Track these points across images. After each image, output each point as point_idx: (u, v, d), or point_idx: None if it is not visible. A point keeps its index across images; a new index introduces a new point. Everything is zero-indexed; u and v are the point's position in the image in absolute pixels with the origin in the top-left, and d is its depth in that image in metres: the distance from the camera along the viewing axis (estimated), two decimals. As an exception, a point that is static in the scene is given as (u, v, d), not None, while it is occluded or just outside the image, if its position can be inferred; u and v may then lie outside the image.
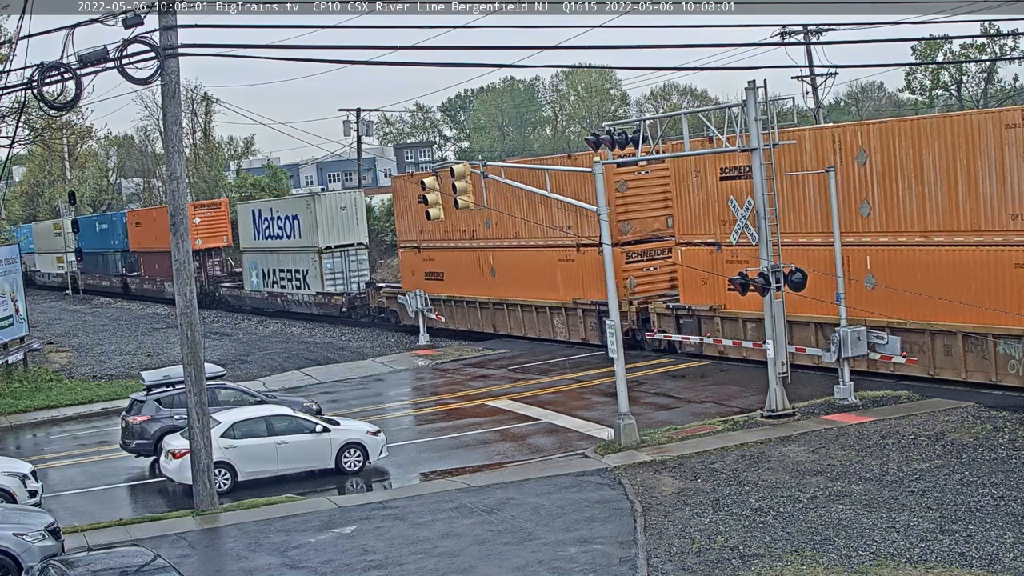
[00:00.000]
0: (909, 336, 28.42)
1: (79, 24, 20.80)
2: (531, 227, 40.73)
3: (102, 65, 21.15)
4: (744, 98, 26.06)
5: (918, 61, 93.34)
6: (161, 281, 70.10)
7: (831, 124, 41.72)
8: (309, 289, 56.03)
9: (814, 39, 55.27)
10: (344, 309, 53.55)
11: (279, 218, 58.88)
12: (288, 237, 57.96)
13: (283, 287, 59.04)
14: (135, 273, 76.59)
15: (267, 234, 59.99)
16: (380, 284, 53.99)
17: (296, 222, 56.76)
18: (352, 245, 54.99)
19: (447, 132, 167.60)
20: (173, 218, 23.20)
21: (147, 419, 27.87)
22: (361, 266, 55.49)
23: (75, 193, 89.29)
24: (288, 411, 26.54)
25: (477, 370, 38.58)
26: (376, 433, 26.27)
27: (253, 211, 62.97)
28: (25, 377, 42.03)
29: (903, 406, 26.48)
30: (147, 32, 21.40)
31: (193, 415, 22.93)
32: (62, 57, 20.62)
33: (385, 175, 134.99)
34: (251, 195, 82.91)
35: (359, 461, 25.78)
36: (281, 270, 58.82)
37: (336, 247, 54.77)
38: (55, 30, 20.76)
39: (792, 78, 61.36)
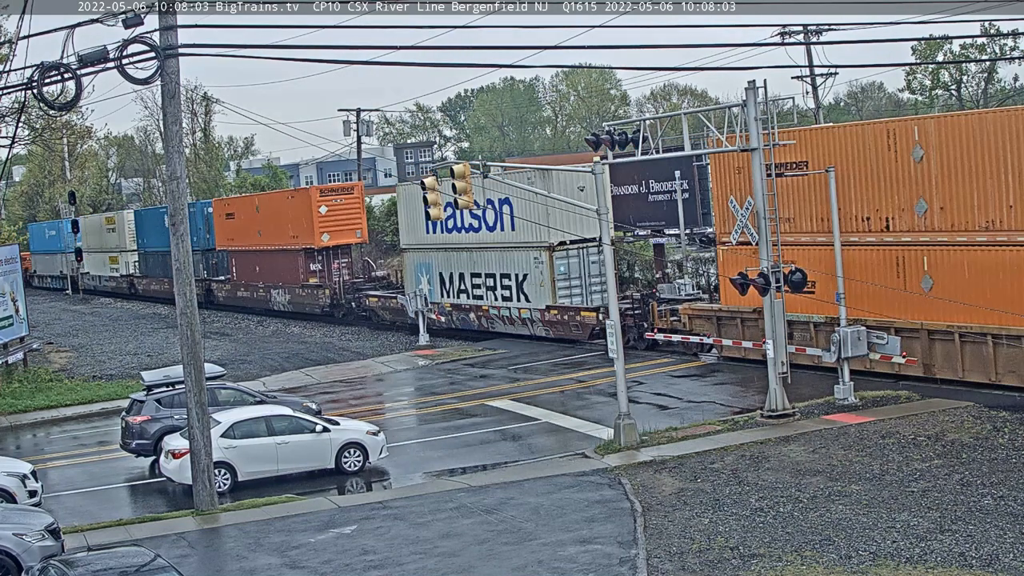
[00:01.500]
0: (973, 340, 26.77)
1: (79, 24, 20.81)
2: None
3: (102, 65, 21.15)
4: (744, 98, 26.07)
5: (918, 61, 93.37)
6: (267, 288, 58.61)
7: (887, 119, 39.80)
8: (526, 302, 41.26)
9: (814, 39, 55.28)
10: (597, 330, 38.43)
11: (475, 202, 43.82)
12: (490, 229, 43.23)
13: (478, 298, 44.35)
14: (223, 277, 64.77)
15: (450, 225, 45.50)
16: (668, 297, 37.85)
17: (504, 208, 41.84)
18: (591, 240, 39.66)
19: (447, 132, 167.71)
20: (173, 218, 23.21)
21: (147, 419, 27.87)
22: (601, 269, 38.13)
23: (75, 193, 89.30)
24: (288, 411, 26.53)
25: (477, 370, 38.58)
26: (376, 433, 26.27)
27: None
28: (25, 377, 42.03)
29: (903, 406, 26.49)
30: (147, 32, 21.42)
31: (193, 415, 22.93)
32: (62, 57, 20.63)
33: (385, 175, 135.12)
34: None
35: (359, 461, 25.78)
36: (475, 275, 44.23)
37: (573, 243, 40.29)
38: (55, 30, 20.77)
39: (792, 78, 61.43)
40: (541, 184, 38.35)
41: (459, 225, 44.94)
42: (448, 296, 46.03)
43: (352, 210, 54.15)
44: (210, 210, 65.05)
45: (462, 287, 45.31)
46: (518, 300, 41.88)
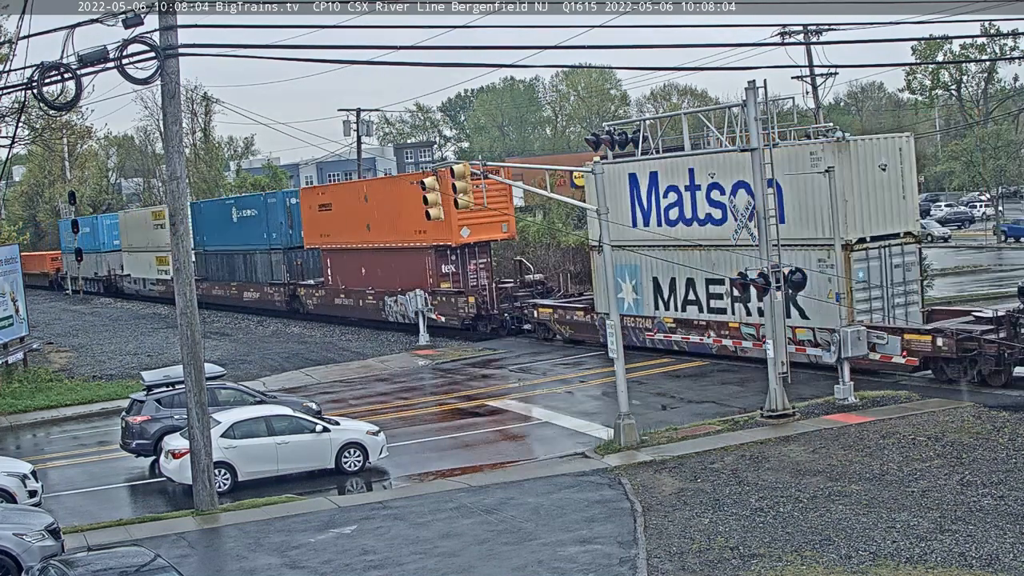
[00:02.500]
0: None
1: (79, 24, 20.79)
2: None
3: (102, 65, 21.14)
4: (744, 98, 26.08)
5: (918, 61, 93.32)
6: (378, 296, 48.66)
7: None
8: (802, 319, 31.10)
9: (814, 39, 55.23)
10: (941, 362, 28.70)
11: (713, 185, 33.71)
12: (738, 219, 32.99)
13: (718, 312, 34.42)
14: (313, 281, 55.02)
15: (673, 215, 35.54)
16: None
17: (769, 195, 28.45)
18: (895, 237, 31.24)
19: (447, 132, 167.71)
20: (173, 218, 23.21)
21: (147, 419, 27.87)
22: (910, 274, 31.34)
23: (75, 193, 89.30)
24: (288, 411, 26.53)
25: (477, 370, 38.58)
26: (376, 433, 26.27)
27: (633, 176, 36.42)
28: (25, 377, 42.03)
29: (903, 406, 26.49)
30: (147, 32, 21.40)
31: (193, 415, 22.93)
32: (62, 57, 20.61)
33: (385, 175, 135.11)
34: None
35: (359, 461, 25.78)
36: (714, 281, 34.12)
37: (874, 239, 30.85)
38: (55, 30, 20.74)
39: (792, 78, 61.36)
40: (833, 159, 29.42)
41: (687, 215, 34.93)
42: (669, 308, 35.93)
43: (498, 198, 42.81)
44: (295, 200, 55.62)
45: (691, 297, 35.23)
46: (787, 316, 29.30)
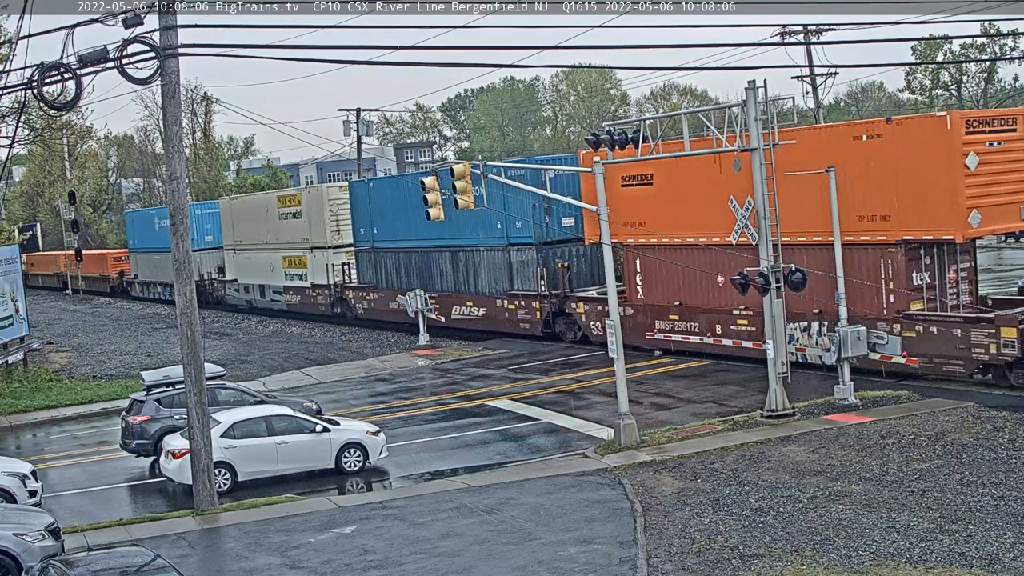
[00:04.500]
0: None
1: (79, 24, 20.79)
2: None
3: (102, 65, 21.14)
4: (744, 98, 26.06)
5: (918, 61, 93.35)
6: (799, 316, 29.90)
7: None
8: None
9: (814, 39, 55.34)
10: None
11: None
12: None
13: None
14: (596, 294, 38.07)
15: None
16: None
17: None
18: None
19: (447, 132, 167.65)
20: (173, 218, 23.21)
21: (147, 419, 27.88)
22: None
23: (75, 193, 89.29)
24: (288, 411, 26.53)
25: (477, 370, 38.58)
26: (376, 433, 26.27)
27: None
28: (25, 377, 42.06)
29: (903, 406, 26.49)
30: (147, 32, 21.41)
31: (193, 415, 22.93)
32: (62, 57, 20.61)
33: (385, 175, 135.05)
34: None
35: (359, 461, 25.78)
36: None
37: None
38: (55, 30, 20.75)
39: (792, 78, 61.51)
40: None
41: None
42: None
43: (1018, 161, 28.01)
44: (564, 171, 36.89)
45: None
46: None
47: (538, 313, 40.95)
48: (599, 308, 37.28)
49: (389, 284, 48.88)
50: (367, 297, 50.15)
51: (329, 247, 52.37)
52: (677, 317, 35.37)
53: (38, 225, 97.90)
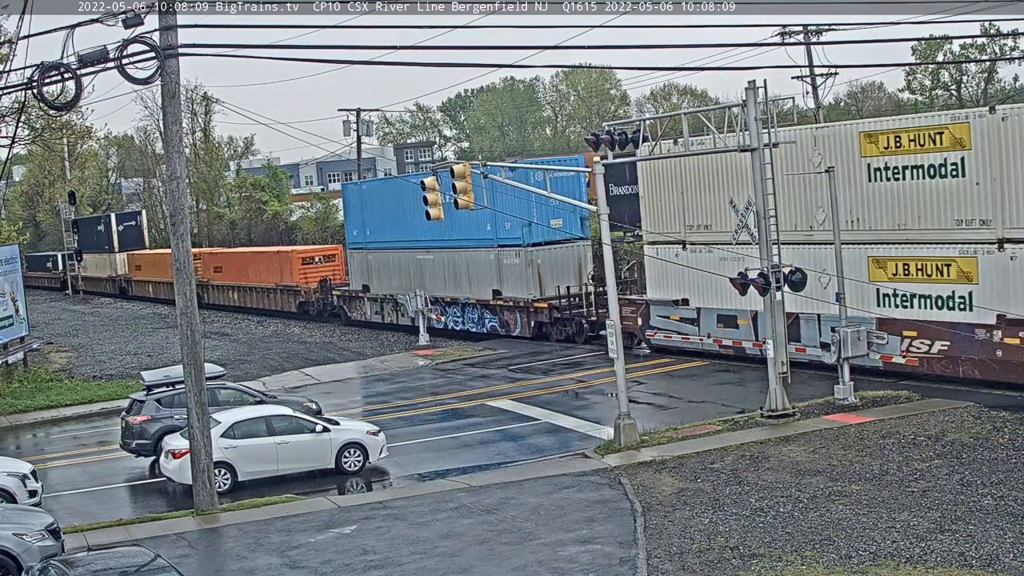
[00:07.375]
0: None
1: (79, 24, 20.80)
2: None
3: (102, 65, 21.14)
4: (744, 98, 26.06)
5: (918, 61, 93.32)
6: None
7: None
8: None
9: (814, 39, 55.25)
10: None
11: None
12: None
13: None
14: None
15: None
16: None
17: None
18: None
19: (447, 132, 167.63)
20: (173, 218, 23.22)
21: (147, 419, 27.88)
22: None
23: (75, 193, 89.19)
24: (288, 411, 26.53)
25: (477, 370, 38.58)
26: (376, 433, 26.27)
27: None
28: (25, 377, 42.07)
29: (903, 406, 26.48)
30: (147, 32, 21.41)
31: (193, 415, 22.93)
32: (62, 57, 20.62)
33: (385, 175, 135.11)
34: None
35: (359, 461, 25.78)
36: None
37: None
38: (55, 30, 20.75)
39: (792, 78, 61.32)
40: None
41: None
42: None
43: None
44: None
45: None
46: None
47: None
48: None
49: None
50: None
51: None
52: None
53: (143, 213, 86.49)
